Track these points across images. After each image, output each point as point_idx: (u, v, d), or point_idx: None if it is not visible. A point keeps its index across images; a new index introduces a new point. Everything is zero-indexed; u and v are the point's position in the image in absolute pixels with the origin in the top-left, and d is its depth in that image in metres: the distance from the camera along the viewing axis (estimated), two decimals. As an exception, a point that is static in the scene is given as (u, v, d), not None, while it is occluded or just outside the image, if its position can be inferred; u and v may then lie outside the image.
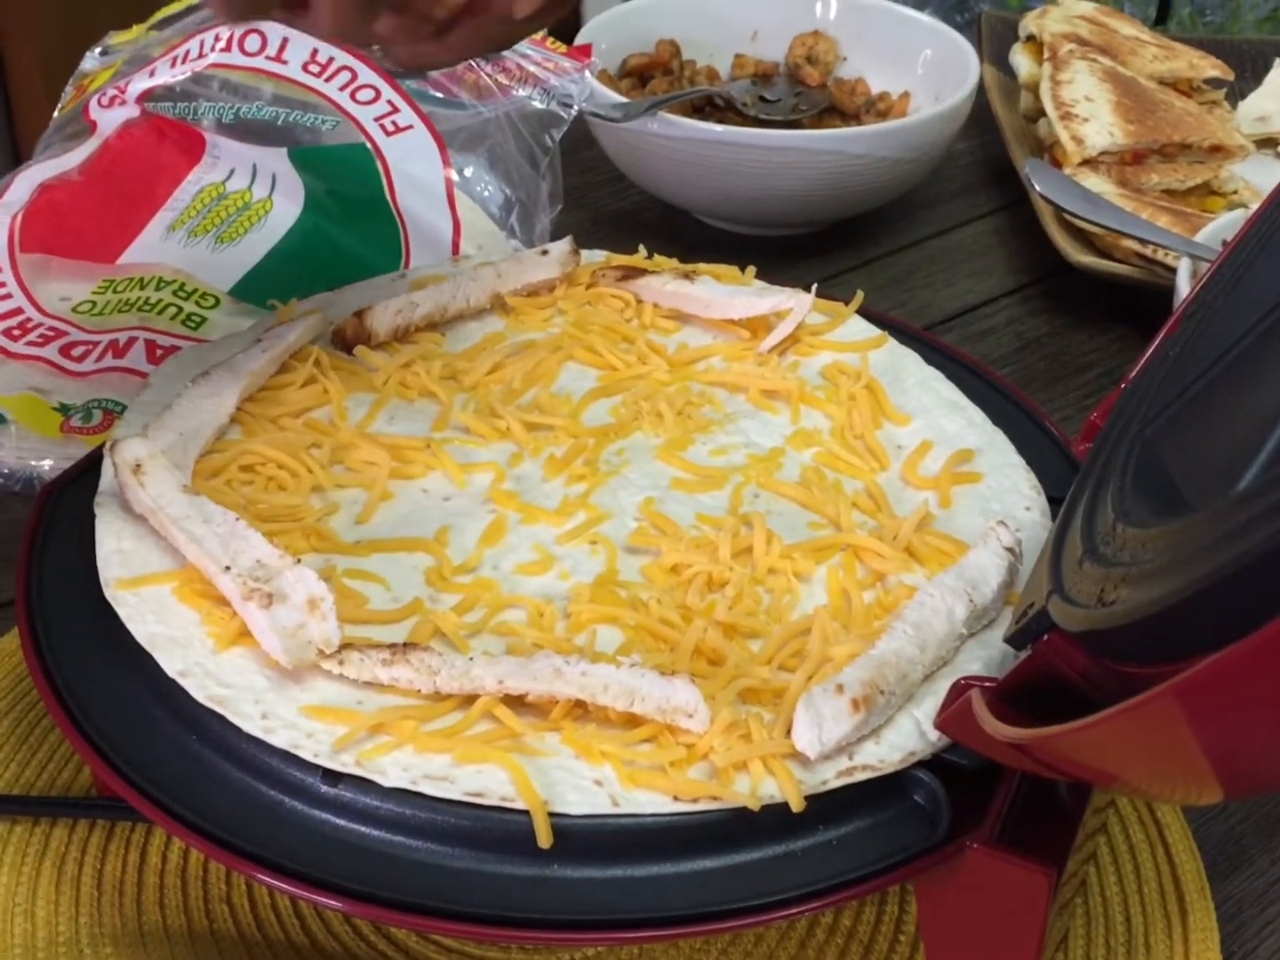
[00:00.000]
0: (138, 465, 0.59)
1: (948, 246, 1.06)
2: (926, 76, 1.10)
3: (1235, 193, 1.05)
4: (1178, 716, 0.36)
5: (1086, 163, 1.02)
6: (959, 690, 0.50)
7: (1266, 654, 0.33)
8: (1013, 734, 0.42)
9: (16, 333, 0.88)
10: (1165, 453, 0.48)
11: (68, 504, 0.63)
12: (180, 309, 0.89)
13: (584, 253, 0.77)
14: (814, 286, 0.73)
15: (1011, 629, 0.51)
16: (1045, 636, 0.46)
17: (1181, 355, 0.55)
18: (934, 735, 0.52)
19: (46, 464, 0.80)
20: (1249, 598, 0.35)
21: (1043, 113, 1.10)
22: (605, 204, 1.10)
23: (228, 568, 0.55)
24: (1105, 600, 0.41)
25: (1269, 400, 0.43)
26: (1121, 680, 0.43)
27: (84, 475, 0.64)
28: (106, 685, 0.55)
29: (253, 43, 0.99)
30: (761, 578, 0.59)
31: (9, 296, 0.91)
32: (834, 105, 1.12)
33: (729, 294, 0.73)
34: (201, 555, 0.56)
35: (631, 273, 0.75)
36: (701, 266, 0.76)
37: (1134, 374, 0.61)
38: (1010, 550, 0.58)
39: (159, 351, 0.86)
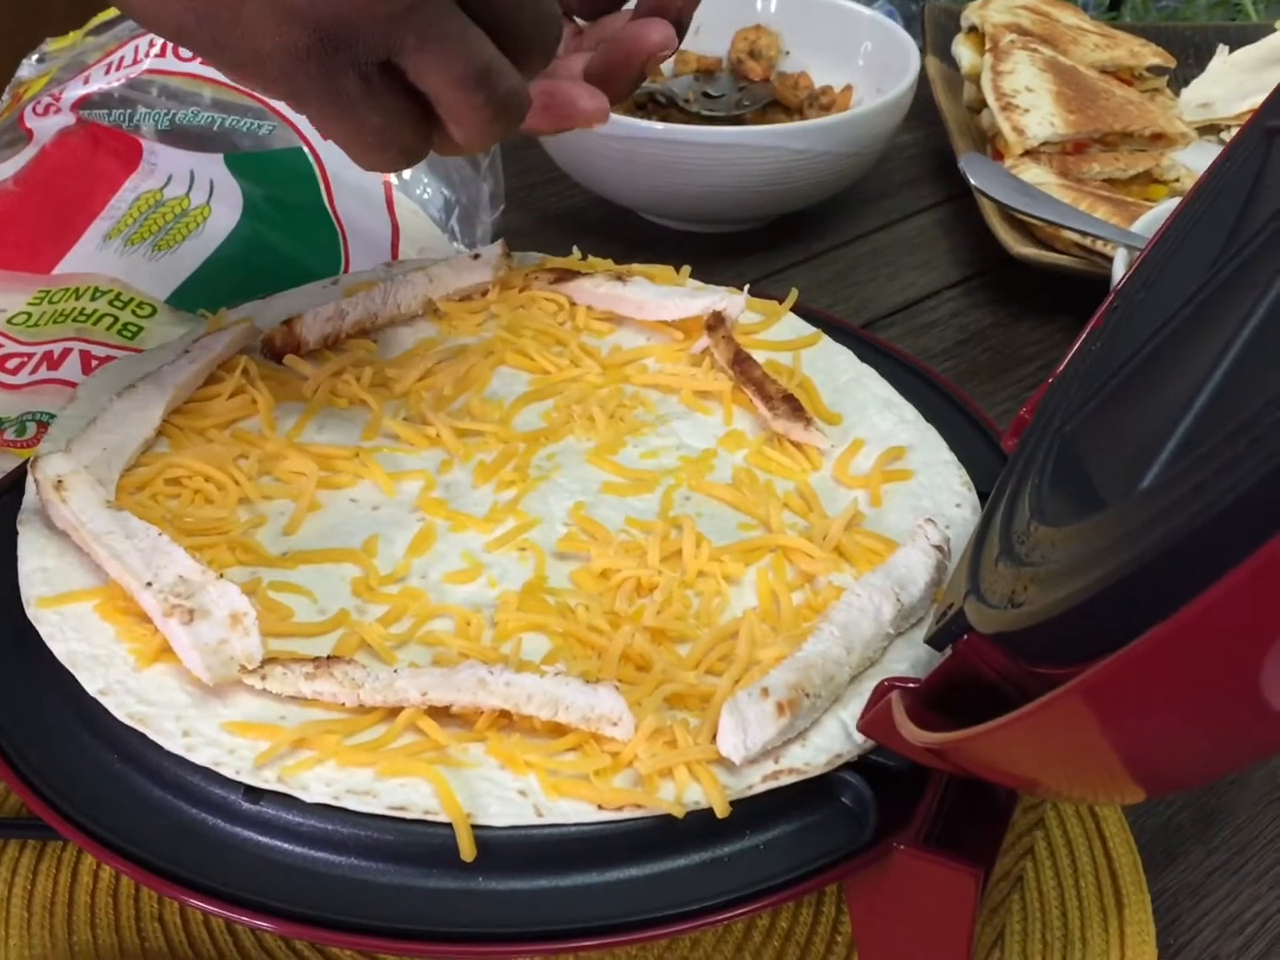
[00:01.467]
0: (59, 481, 0.58)
1: (891, 240, 1.06)
2: (868, 69, 1.10)
3: (1177, 180, 1.05)
4: (1084, 717, 0.36)
5: (1028, 153, 1.02)
6: (881, 692, 0.50)
7: (1162, 653, 0.33)
8: (926, 738, 0.42)
9: (-50, 346, 0.88)
10: (1082, 450, 0.48)
11: (-7, 520, 0.62)
12: (116, 319, 0.88)
13: (518, 255, 0.77)
14: (746, 287, 0.73)
15: (932, 629, 0.51)
16: (965, 637, 0.46)
17: (1102, 350, 0.55)
18: (860, 737, 0.52)
19: (-20, 479, 0.79)
20: (1148, 597, 0.35)
21: (986, 104, 1.10)
22: (548, 204, 1.10)
23: (149, 584, 0.54)
24: (1015, 601, 0.41)
25: (1176, 396, 0.43)
26: (1039, 681, 0.43)
27: (10, 490, 0.63)
28: (27, 705, 0.55)
29: (187, 48, 0.98)
30: (691, 581, 0.59)
31: (-57, 310, 0.90)
32: (777, 100, 1.12)
33: (662, 295, 0.72)
34: (123, 571, 0.55)
35: (564, 275, 0.74)
36: (635, 267, 0.76)
37: (1061, 369, 0.61)
38: (938, 548, 0.58)
39: (94, 363, 0.85)
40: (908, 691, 0.48)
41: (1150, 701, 0.34)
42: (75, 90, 1.00)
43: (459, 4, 0.50)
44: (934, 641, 0.50)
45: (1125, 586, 0.35)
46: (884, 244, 1.06)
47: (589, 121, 0.62)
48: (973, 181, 0.91)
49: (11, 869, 0.60)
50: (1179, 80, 1.19)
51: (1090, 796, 0.57)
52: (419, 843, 0.49)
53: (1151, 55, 1.14)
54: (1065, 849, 0.62)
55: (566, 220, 1.08)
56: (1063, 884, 0.61)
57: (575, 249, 0.77)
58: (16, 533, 0.59)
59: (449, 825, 0.49)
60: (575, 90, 0.62)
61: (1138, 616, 0.34)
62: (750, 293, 0.73)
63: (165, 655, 0.54)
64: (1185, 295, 0.49)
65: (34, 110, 1.01)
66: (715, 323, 0.70)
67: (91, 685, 0.53)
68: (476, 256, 0.75)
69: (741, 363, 0.67)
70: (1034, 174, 0.99)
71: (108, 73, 1.00)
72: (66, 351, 0.86)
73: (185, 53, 0.99)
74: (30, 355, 0.86)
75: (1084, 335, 0.62)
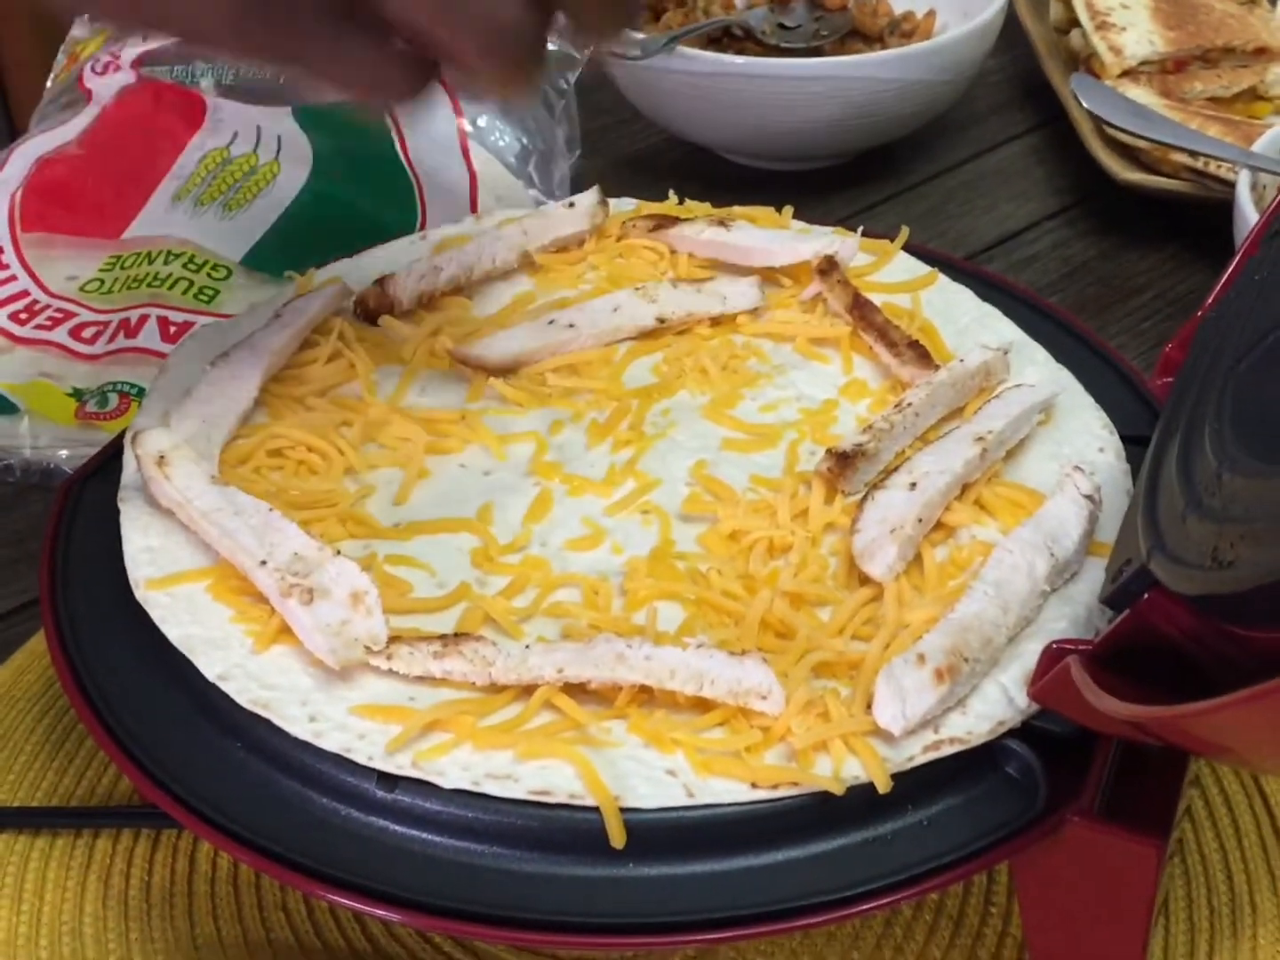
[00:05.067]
0: (161, 457, 0.56)
1: (983, 170, 1.02)
2: (951, -8, 1.06)
3: (1281, 96, 1.00)
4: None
5: (1126, 74, 0.98)
6: (1053, 656, 0.47)
7: None
8: (1130, 712, 0.38)
9: (24, 316, 0.85)
10: (1267, 390, 0.45)
11: (90, 497, 0.60)
12: (191, 282, 0.86)
13: (612, 202, 0.73)
14: (860, 229, 0.69)
15: (1108, 588, 0.47)
16: (1145, 596, 0.43)
17: (1270, 280, 0.51)
18: (1023, 702, 0.49)
19: (63, 453, 0.77)
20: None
21: (1074, 23, 1.05)
22: (623, 146, 1.06)
23: (264, 562, 0.52)
24: (1221, 560, 0.38)
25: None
26: (1234, 642, 0.40)
27: (105, 466, 0.61)
28: (141, 690, 0.52)
29: (248, -2, 0.95)
30: (819, 536, 0.56)
31: (14, 279, 0.88)
32: (856, 28, 1.07)
33: (768, 240, 0.69)
34: (235, 550, 0.53)
35: (663, 222, 0.71)
36: (736, 210, 0.72)
37: (1211, 302, 0.57)
38: (1089, 498, 0.55)
39: (172, 329, 0.83)
40: (1083, 654, 0.45)
41: None
42: (135, 47, 0.97)
43: None
44: (1112, 601, 0.47)
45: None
46: (976, 175, 1.01)
47: None
48: (1085, 105, 0.87)
49: (127, 859, 0.58)
50: (1274, -9, 1.14)
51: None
52: (564, 828, 0.47)
53: (1248, -35, 1.09)
54: (1224, 809, 0.59)
55: (642, 162, 1.05)
56: (1225, 846, 0.57)
57: (671, 193, 0.74)
58: (117, 509, 0.57)
59: (595, 809, 0.46)
60: None
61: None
62: (847, 231, 0.70)
63: (284, 636, 0.51)
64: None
65: (93, 69, 0.98)
66: (828, 267, 0.66)
67: (210, 670, 0.51)
68: (571, 205, 0.71)
69: (861, 308, 0.64)
70: (1136, 95, 0.94)
71: (167, 27, 0.97)
72: (144, 318, 0.83)
73: (246, 3, 0.95)
74: (106, 323, 0.84)
75: (1233, 264, 0.58)
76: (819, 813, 0.47)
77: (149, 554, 0.55)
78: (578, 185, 0.94)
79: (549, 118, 0.95)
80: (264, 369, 0.62)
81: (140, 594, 0.54)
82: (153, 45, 0.96)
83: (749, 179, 1.01)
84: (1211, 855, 0.57)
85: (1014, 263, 0.92)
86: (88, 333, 0.84)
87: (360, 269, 0.69)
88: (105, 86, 0.97)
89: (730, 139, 1.00)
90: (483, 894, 0.46)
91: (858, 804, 0.47)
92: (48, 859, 0.58)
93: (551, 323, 0.65)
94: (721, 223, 0.70)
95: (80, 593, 0.56)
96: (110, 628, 0.55)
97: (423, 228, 0.89)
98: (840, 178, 1.00)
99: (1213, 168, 0.87)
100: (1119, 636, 0.45)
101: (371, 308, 0.66)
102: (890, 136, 0.99)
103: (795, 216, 0.73)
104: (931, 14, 1.06)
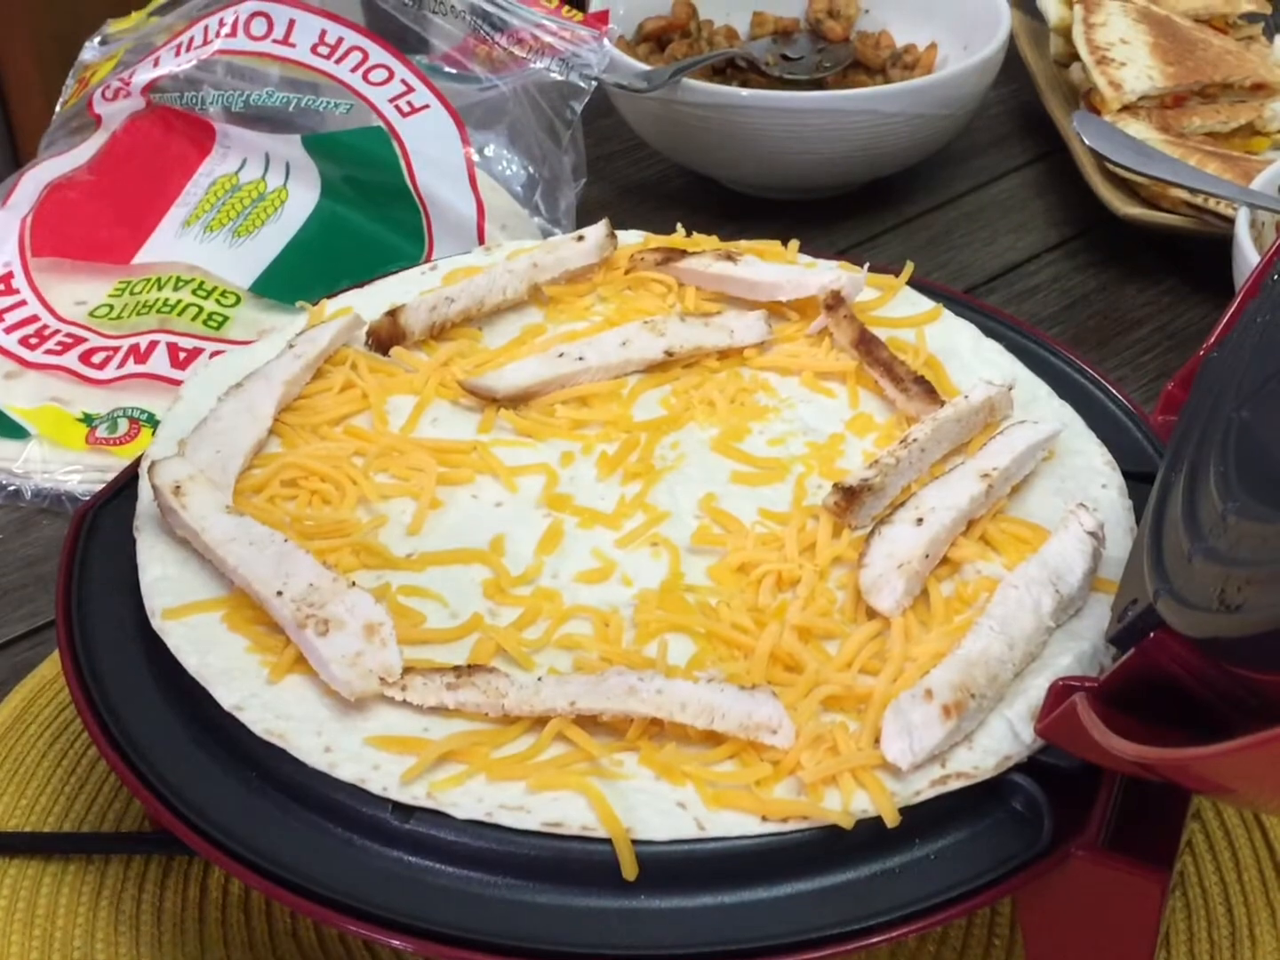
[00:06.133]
0: (178, 487, 0.57)
1: (984, 202, 1.03)
2: (952, 26, 1.07)
3: (1279, 132, 1.02)
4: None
5: (1126, 108, 0.99)
6: (1059, 693, 0.47)
7: None
8: (1137, 752, 0.39)
9: (34, 341, 0.86)
10: (1271, 435, 0.45)
11: (104, 525, 0.61)
12: (201, 308, 0.87)
13: (620, 234, 0.74)
14: (866, 265, 0.70)
15: (1114, 628, 0.48)
16: (1152, 635, 0.44)
17: (1271, 324, 0.52)
18: (1029, 737, 0.50)
19: (74, 478, 0.78)
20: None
21: (1074, 57, 1.06)
22: (628, 174, 1.07)
23: (279, 592, 0.53)
24: (1229, 603, 0.39)
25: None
26: (1241, 684, 0.41)
27: (119, 493, 0.62)
28: (156, 716, 0.53)
29: (259, 26, 0.96)
30: (826, 570, 0.57)
31: (23, 304, 0.89)
32: (858, 61, 1.08)
33: (775, 274, 0.70)
34: (251, 579, 0.53)
35: (671, 255, 0.72)
36: (743, 244, 0.73)
37: (1213, 341, 0.58)
38: (1093, 535, 0.56)
39: (181, 354, 0.83)
40: (1088, 691, 0.45)
41: None
42: (145, 74, 0.97)
43: None
44: (1118, 640, 0.48)
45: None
46: (977, 206, 1.02)
47: None
48: (1087, 142, 0.88)
49: (138, 885, 0.59)
50: (1271, 27, 1.15)
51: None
52: (576, 860, 0.47)
53: (1246, 1, 1.10)
54: (1225, 842, 0.59)
55: (647, 191, 1.06)
56: (1225, 879, 0.58)
57: (680, 226, 0.74)
58: (132, 536, 0.58)
59: (607, 841, 0.47)
60: None
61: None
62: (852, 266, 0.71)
63: (299, 666, 0.52)
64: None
65: (103, 95, 0.98)
66: (835, 302, 0.67)
67: (226, 700, 0.51)
68: (580, 238, 0.72)
69: (866, 343, 0.65)
70: (1135, 130, 0.95)
71: (177, 54, 0.97)
72: (153, 344, 0.84)
73: (256, 32, 0.96)
74: (116, 349, 0.85)
75: (1234, 305, 0.59)
76: (827, 846, 0.47)
77: (165, 583, 0.56)
78: (583, 213, 0.95)
79: (555, 147, 0.96)
80: (278, 399, 0.62)
81: (157, 623, 0.54)
82: (163, 71, 0.97)
83: (752, 208, 1.02)
84: (1212, 888, 0.58)
85: (1014, 294, 0.93)
86: (97, 358, 0.84)
87: (371, 299, 0.70)
88: (115, 112, 0.98)
89: (734, 169, 1.01)
90: (495, 924, 0.47)
91: (866, 837, 0.48)
92: (59, 884, 0.58)
93: (561, 355, 0.66)
94: (729, 256, 0.71)
95: (95, 620, 0.56)
96: (125, 655, 0.55)
97: (430, 256, 0.90)
98: (843, 208, 1.01)
99: (1212, 204, 0.88)
100: (1125, 675, 0.45)
101: (383, 338, 0.67)
102: (892, 168, 1.00)
103: (799, 247, 0.74)
104: (933, 47, 1.07)
